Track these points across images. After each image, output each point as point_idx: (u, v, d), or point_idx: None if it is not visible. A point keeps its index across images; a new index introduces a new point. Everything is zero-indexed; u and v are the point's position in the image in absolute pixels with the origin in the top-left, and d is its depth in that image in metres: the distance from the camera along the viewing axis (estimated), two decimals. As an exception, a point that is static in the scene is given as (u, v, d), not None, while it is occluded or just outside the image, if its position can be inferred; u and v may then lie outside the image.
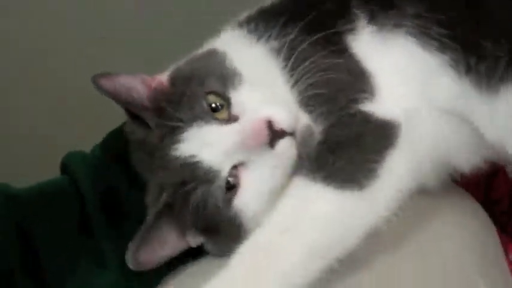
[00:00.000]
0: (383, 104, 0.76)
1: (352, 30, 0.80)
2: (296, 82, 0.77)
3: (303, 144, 0.73)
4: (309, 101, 0.76)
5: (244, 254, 0.68)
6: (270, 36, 0.80)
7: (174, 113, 0.75)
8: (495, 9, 0.75)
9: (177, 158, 0.74)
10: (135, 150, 0.81)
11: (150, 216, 0.75)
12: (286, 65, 0.78)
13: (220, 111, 0.75)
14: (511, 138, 0.74)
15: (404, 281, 0.72)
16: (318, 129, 0.74)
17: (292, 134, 0.72)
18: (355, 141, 0.73)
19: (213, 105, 0.75)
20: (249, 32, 0.82)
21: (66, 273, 0.80)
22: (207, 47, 0.85)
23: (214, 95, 0.75)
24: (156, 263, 0.76)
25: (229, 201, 0.73)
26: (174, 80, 0.80)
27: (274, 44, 0.80)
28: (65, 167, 0.88)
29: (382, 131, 0.74)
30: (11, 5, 1.44)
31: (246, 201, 0.73)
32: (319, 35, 0.78)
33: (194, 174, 0.73)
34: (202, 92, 0.75)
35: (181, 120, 0.74)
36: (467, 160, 0.80)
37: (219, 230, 0.75)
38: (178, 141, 0.74)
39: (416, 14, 0.77)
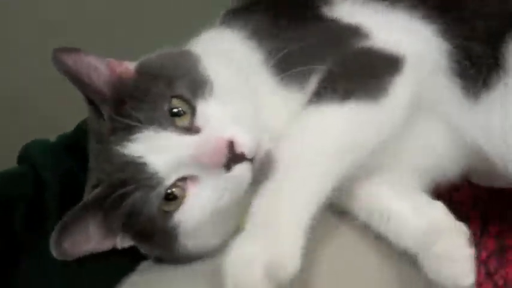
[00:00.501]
0: (380, 40, 0.77)
1: (327, 2, 0.81)
2: (272, 56, 0.77)
3: (260, 170, 0.71)
4: (291, 64, 0.76)
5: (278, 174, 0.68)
6: (264, 36, 0.79)
7: (132, 110, 0.71)
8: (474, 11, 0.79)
9: (123, 155, 0.71)
10: (90, 134, 0.79)
11: (76, 207, 0.73)
12: (257, 45, 0.78)
13: (182, 117, 0.72)
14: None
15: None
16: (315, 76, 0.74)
17: (251, 159, 0.70)
18: (364, 67, 0.75)
19: (175, 110, 0.72)
20: (247, 37, 0.80)
21: (18, 262, 0.79)
22: (192, 44, 0.83)
23: (180, 100, 0.72)
24: (78, 255, 0.74)
25: (168, 212, 0.71)
26: (141, 71, 0.77)
27: (267, 43, 0.79)
28: (23, 155, 0.88)
29: (387, 57, 0.76)
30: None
31: (187, 216, 0.71)
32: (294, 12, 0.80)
33: (136, 176, 0.70)
34: (168, 94, 0.72)
35: (138, 120, 0.71)
36: (454, 165, 0.83)
37: (152, 237, 0.73)
38: (129, 140, 0.71)
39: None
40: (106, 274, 0.77)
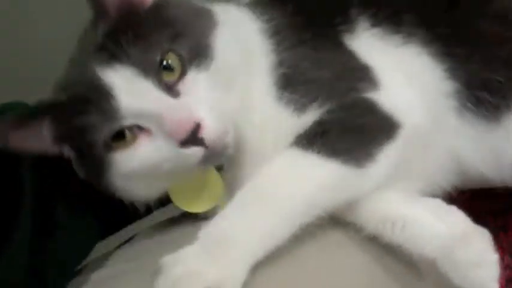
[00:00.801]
0: (387, 96, 0.78)
1: (349, 30, 0.81)
2: (283, 65, 0.77)
3: (210, 155, 0.73)
4: (297, 86, 0.77)
5: (240, 200, 0.71)
6: (282, 42, 0.80)
7: (127, 42, 0.71)
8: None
9: (98, 77, 0.72)
10: (77, 43, 0.78)
11: (36, 105, 0.76)
12: (274, 48, 0.79)
13: (170, 73, 0.72)
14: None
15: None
16: (313, 112, 0.75)
17: (207, 146, 0.72)
18: (359, 127, 0.75)
19: (165, 62, 0.72)
20: (262, 20, 0.81)
21: None
22: (217, 8, 0.81)
23: (176, 57, 0.73)
24: (21, 150, 0.76)
25: (111, 148, 0.73)
26: (157, 7, 0.76)
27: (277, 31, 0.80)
28: None
29: (385, 123, 0.76)
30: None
31: (126, 160, 0.73)
32: (314, 29, 0.80)
33: (100, 103, 0.71)
34: (167, 47, 0.72)
35: (127, 55, 0.71)
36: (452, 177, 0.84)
37: (87, 159, 0.76)
38: (110, 67, 0.71)
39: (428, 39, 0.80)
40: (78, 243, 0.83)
